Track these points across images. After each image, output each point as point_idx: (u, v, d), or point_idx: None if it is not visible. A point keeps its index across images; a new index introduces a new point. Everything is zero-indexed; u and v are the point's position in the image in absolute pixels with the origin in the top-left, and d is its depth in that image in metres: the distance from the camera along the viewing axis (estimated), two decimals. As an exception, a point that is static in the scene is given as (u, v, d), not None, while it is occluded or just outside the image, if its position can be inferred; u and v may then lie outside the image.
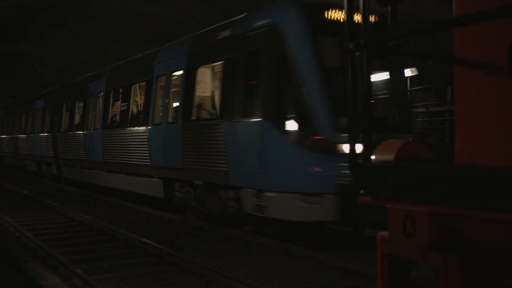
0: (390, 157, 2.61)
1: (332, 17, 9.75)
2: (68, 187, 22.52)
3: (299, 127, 9.56)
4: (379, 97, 10.91)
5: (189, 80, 12.48)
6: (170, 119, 13.27)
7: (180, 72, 13.15)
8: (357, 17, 2.64)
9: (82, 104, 20.49)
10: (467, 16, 2.39)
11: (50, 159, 24.20)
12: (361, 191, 2.44)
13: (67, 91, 22.96)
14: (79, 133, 20.09)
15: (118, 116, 16.94)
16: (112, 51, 24.33)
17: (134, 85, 15.90)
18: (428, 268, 2.19)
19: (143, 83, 15.19)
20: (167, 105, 13.49)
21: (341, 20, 9.78)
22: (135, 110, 16.17)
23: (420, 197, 2.19)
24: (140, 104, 15.94)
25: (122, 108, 16.43)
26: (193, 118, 12.33)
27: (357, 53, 2.46)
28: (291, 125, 9.71)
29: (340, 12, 9.82)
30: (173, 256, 9.17)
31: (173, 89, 13.85)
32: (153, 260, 9.28)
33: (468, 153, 2.52)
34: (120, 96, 16.89)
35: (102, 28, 22.35)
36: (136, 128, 15.13)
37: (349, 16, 2.50)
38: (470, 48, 2.57)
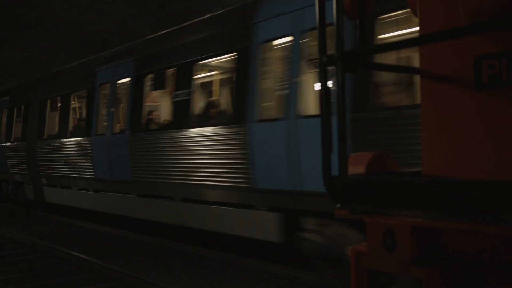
0: (360, 169, 2.60)
1: None
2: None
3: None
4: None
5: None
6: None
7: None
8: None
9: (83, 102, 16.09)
10: (435, 34, 2.42)
11: (22, 176, 18.86)
12: (337, 206, 2.42)
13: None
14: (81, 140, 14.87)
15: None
16: (42, 59, 23.47)
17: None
18: (409, 281, 2.19)
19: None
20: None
21: None
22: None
23: (400, 210, 2.18)
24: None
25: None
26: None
27: (331, 67, 2.44)
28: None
29: None
30: (114, 272, 8.87)
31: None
32: (93, 277, 8.93)
33: (435, 165, 2.55)
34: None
35: (32, 35, 21.53)
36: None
37: (321, 28, 2.48)
38: (435, 61, 2.60)
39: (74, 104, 15.82)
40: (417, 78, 3.11)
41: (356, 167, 2.61)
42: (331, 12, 2.41)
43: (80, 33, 20.11)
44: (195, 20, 11.75)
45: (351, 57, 2.46)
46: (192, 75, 10.67)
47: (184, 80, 10.81)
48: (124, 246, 11.50)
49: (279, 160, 8.38)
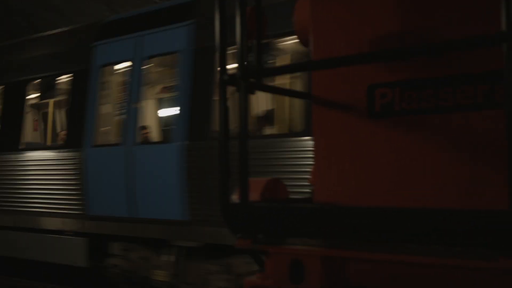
0: (255, 196, 2.48)
1: None
2: None
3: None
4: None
5: None
6: None
7: None
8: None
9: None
10: (330, 60, 2.42)
11: None
12: (238, 235, 2.25)
13: None
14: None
15: None
16: None
17: None
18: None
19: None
20: None
21: None
22: None
23: (308, 239, 2.09)
24: None
25: None
26: None
27: (231, 86, 2.31)
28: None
29: None
30: None
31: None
32: None
33: (327, 192, 2.53)
34: None
35: None
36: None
37: (222, 47, 2.34)
38: (329, 87, 2.61)
39: None
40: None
41: (250, 193, 2.48)
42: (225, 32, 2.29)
43: None
44: (30, 37, 10.80)
45: (256, 77, 2.35)
46: (25, 94, 9.79)
47: (15, 99, 9.87)
48: None
49: (114, 186, 8.07)
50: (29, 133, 9.99)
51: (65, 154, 8.79)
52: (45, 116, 11.40)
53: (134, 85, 8.16)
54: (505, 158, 2.12)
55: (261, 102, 8.62)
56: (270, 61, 7.89)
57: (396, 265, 2.14)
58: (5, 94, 10.17)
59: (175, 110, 7.78)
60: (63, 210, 8.64)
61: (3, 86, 10.19)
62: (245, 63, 2.28)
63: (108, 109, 9.02)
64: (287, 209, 2.18)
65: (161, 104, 10.73)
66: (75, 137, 8.69)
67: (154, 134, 8.38)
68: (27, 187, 9.32)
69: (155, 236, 7.67)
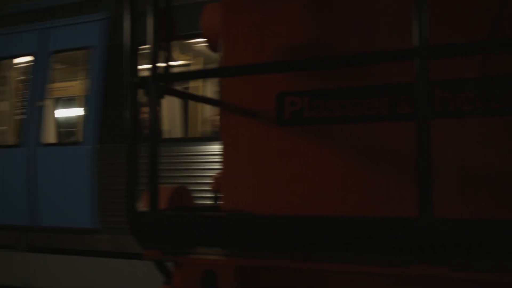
0: (163, 204, 2.40)
1: None
2: None
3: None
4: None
5: None
6: None
7: None
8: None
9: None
10: (243, 67, 2.39)
11: None
12: (145, 246, 2.15)
13: None
14: None
15: None
16: None
17: None
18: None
19: None
20: None
21: None
22: None
23: (221, 248, 2.04)
24: None
25: None
26: None
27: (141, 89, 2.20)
28: None
29: None
30: None
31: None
32: None
33: (236, 199, 2.50)
34: None
35: None
36: None
37: (132, 46, 2.23)
38: (238, 94, 2.58)
39: None
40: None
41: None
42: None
43: None
44: None
45: (165, 82, 2.26)
46: None
47: None
48: None
49: (13, 192, 7.50)
50: None
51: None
52: None
53: (37, 82, 7.66)
54: (407, 167, 2.21)
55: (176, 104, 8.41)
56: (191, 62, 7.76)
57: (311, 273, 2.13)
58: None
59: (85, 110, 7.34)
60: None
61: None
62: (157, 65, 2.19)
63: (6, 106, 8.46)
64: (198, 218, 2.11)
65: (68, 103, 10.19)
66: None
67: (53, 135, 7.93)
68: None
69: (59, 246, 7.21)
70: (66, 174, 7.12)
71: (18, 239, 7.63)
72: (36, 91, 7.70)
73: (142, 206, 2.29)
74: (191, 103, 8.14)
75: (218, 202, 2.87)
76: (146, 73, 2.20)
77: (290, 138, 2.46)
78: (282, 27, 2.50)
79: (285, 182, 2.43)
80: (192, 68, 7.89)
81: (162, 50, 2.51)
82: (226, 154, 2.57)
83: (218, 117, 3.02)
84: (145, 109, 2.21)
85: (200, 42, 7.06)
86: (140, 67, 2.25)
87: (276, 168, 2.48)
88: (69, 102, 10.10)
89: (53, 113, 8.06)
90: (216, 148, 5.98)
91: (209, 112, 7.91)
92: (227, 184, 2.55)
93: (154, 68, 2.17)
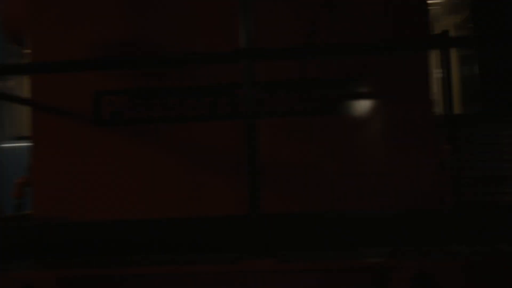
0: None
1: None
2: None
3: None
4: None
5: None
6: None
7: None
8: None
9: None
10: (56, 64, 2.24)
11: None
12: None
13: None
14: None
15: None
16: None
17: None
18: None
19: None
20: None
21: None
22: None
23: (39, 260, 1.87)
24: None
25: None
26: None
27: None
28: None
29: None
30: None
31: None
32: None
33: (50, 205, 2.35)
34: None
35: None
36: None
37: None
38: (51, 92, 2.42)
39: None
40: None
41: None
42: None
43: None
44: None
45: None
46: None
47: None
48: None
49: None
50: None
51: None
52: None
53: None
54: (227, 166, 2.29)
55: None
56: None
57: (142, 278, 2.07)
58: None
59: None
60: None
61: None
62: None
63: None
64: (7, 227, 1.91)
65: None
66: None
67: None
68: None
69: None
70: None
71: None
72: None
73: None
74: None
75: (23, 210, 2.65)
76: None
77: (108, 139, 2.37)
78: (96, 23, 2.40)
79: (102, 184, 2.34)
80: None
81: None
82: (36, 157, 2.38)
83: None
84: None
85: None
86: None
87: (92, 170, 2.37)
88: None
89: None
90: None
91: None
92: (39, 189, 2.36)
93: None
